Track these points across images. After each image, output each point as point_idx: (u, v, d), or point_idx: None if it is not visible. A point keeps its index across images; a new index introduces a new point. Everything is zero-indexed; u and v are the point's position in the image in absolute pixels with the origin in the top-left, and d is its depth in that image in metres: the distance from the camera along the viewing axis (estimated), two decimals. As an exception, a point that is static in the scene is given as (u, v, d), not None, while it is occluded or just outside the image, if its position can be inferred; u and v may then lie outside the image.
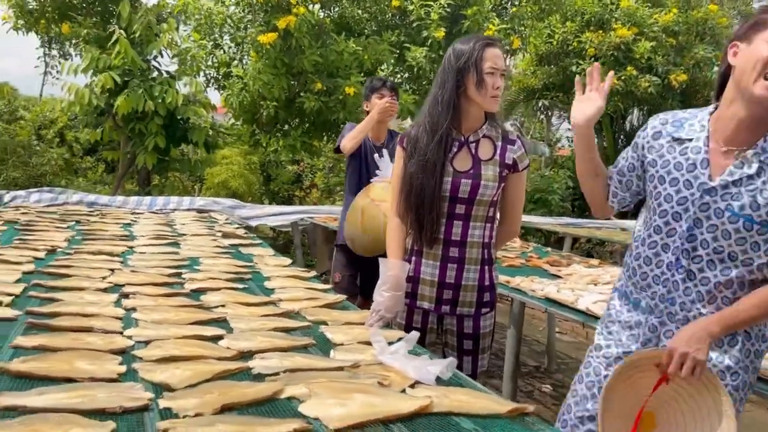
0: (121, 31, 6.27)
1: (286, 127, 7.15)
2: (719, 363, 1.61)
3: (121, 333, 1.69)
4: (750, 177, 1.51)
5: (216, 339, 1.71)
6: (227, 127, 7.49)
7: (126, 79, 6.58)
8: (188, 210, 5.26)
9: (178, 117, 6.95)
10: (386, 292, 1.98)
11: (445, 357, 2.17)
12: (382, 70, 7.39)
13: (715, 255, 1.56)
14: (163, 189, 7.28)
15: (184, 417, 1.16)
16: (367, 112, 3.39)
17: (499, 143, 2.04)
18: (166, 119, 6.80)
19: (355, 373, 1.49)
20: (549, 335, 4.65)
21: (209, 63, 7.04)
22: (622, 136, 10.63)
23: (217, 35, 7.01)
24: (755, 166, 1.51)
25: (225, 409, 1.21)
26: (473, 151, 2.03)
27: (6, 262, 2.48)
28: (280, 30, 6.07)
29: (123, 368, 1.41)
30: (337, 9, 7.50)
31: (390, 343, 1.62)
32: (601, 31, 8.55)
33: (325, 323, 1.98)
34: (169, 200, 5.53)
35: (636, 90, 8.43)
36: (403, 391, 1.38)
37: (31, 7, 6.99)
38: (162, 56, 7.28)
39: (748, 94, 1.48)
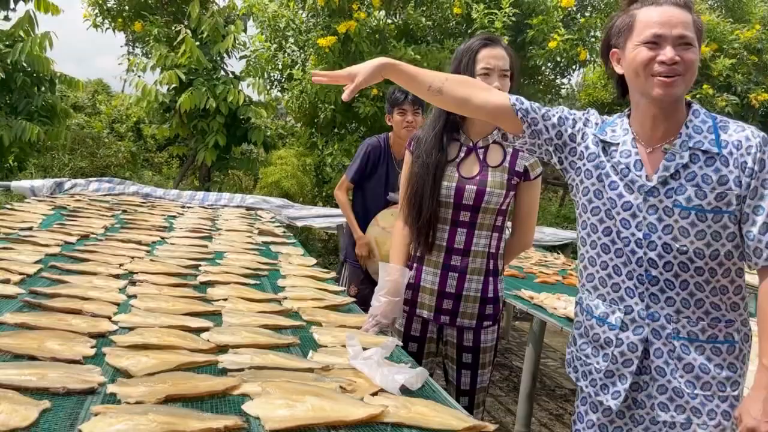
0: (188, 30, 6.49)
1: (343, 131, 7.20)
2: (718, 374, 1.50)
3: (110, 318, 1.71)
4: (685, 166, 1.47)
5: (201, 331, 1.71)
6: (286, 128, 7.62)
7: (191, 77, 6.81)
8: (237, 207, 5.37)
9: (240, 117, 7.13)
10: (383, 297, 1.94)
11: (445, 369, 2.11)
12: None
13: (682, 256, 1.48)
14: (222, 186, 7.47)
15: (124, 403, 1.15)
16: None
17: (510, 150, 1.96)
18: (228, 118, 7.00)
19: (323, 375, 1.45)
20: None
21: (273, 65, 7.17)
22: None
23: (281, 38, 7.14)
24: (686, 154, 1.47)
25: (170, 399, 1.20)
26: (481, 157, 1.96)
27: (35, 243, 2.58)
28: (340, 34, 6.12)
29: (92, 351, 1.42)
30: (402, 16, 7.51)
31: (365, 348, 1.57)
32: (676, 46, 8.16)
33: (319, 324, 1.95)
34: (221, 196, 5.65)
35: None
36: (362, 398, 1.32)
37: (110, 5, 7.34)
38: (229, 56, 7.50)
39: (648, 97, 1.48)
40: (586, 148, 1.61)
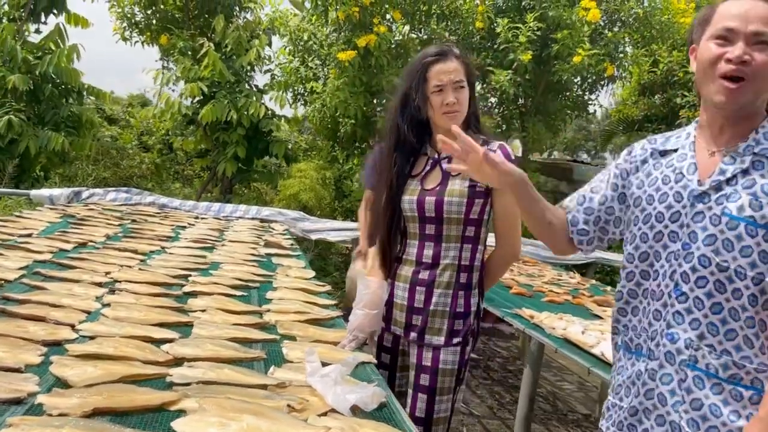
0: (210, 44, 6.57)
1: (364, 145, 7.17)
2: (731, 423, 1.27)
3: (73, 326, 1.67)
4: (745, 171, 1.29)
5: (165, 342, 1.65)
6: (309, 141, 7.64)
7: (214, 90, 6.87)
8: (252, 219, 5.35)
9: (262, 129, 7.17)
10: (360, 311, 1.87)
11: (401, 393, 1.99)
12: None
13: (720, 273, 1.28)
14: (243, 198, 7.50)
15: (47, 415, 1.10)
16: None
17: None
18: (249, 131, 7.03)
19: (277, 393, 1.38)
20: (605, 380, 4.27)
21: (294, 78, 7.20)
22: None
23: (304, 52, 7.17)
24: (748, 159, 1.29)
25: (98, 412, 1.14)
26: (444, 167, 1.90)
27: (27, 250, 2.57)
28: (360, 48, 6.10)
29: (38, 360, 1.38)
30: (427, 30, 7.47)
31: (325, 365, 1.49)
32: (708, 62, 7.95)
33: (294, 338, 1.88)
34: (237, 208, 5.65)
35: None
36: (307, 419, 1.25)
37: (138, 19, 7.48)
38: (253, 70, 7.56)
39: (711, 102, 1.32)
40: (648, 174, 1.46)
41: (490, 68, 6.93)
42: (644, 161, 1.48)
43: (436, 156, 1.95)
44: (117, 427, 1.08)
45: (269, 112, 7.12)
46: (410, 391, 1.91)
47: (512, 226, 1.92)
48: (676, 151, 1.42)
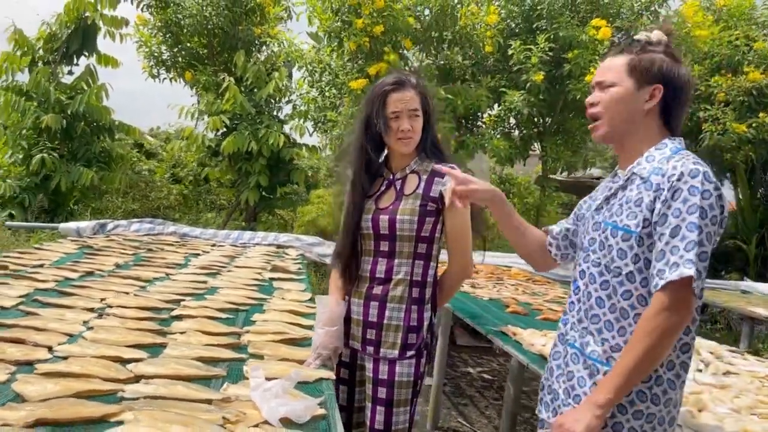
0: (230, 78, 6.83)
1: (381, 170, 7.28)
2: (590, 392, 1.48)
3: (50, 348, 1.80)
4: (622, 187, 1.54)
5: (134, 361, 1.77)
6: (328, 168, 7.81)
7: (236, 122, 7.12)
8: (269, 245, 5.50)
9: (283, 158, 7.38)
10: (320, 329, 1.96)
11: (361, 408, 2.06)
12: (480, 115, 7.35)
13: (594, 268, 1.54)
14: (267, 225, 7.69)
15: (-9, 426, 1.21)
16: None
17: (425, 176, 2.00)
18: (271, 160, 7.25)
19: (221, 407, 1.47)
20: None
21: (313, 108, 7.41)
22: (761, 189, 9.57)
23: (322, 82, 7.37)
24: (625, 177, 1.54)
25: (40, 423, 1.25)
26: (398, 187, 2.01)
27: (32, 279, 2.74)
28: (371, 77, 6.26)
29: (4, 377, 1.50)
30: (441, 56, 7.59)
31: (269, 379, 1.58)
32: (731, 75, 7.84)
33: (261, 357, 1.97)
34: (255, 235, 5.81)
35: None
36: (235, 430, 1.33)
37: (165, 57, 7.83)
38: (275, 102, 7.81)
39: None
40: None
41: (504, 89, 7.00)
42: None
43: (391, 177, 2.06)
44: (50, 436, 1.19)
45: (289, 141, 7.34)
46: (369, 405, 1.99)
47: (460, 243, 2.01)
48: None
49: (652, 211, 1.42)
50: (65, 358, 1.73)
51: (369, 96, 2.07)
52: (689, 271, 1.31)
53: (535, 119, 7.53)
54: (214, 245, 5.12)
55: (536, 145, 8.13)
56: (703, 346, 2.69)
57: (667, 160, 1.45)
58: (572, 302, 1.62)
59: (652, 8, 7.54)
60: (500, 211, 1.74)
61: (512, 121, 8.03)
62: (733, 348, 2.75)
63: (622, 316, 1.48)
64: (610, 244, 1.50)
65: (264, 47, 7.90)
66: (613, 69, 1.54)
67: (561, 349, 1.63)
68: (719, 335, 7.15)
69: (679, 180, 1.38)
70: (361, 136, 2.07)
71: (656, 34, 1.54)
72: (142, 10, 7.71)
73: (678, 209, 1.36)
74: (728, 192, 10.62)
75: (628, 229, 1.45)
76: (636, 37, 1.55)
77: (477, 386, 5.23)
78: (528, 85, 6.81)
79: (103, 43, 7.89)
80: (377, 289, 2.00)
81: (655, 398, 1.44)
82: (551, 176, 9.19)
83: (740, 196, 9.25)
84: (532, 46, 6.79)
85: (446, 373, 5.47)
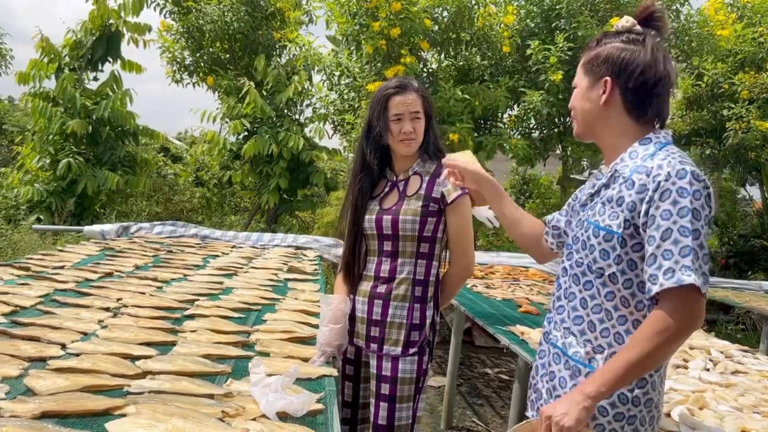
0: (250, 83, 6.93)
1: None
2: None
3: (64, 345, 1.87)
4: (605, 185, 1.51)
5: (143, 358, 1.83)
6: (348, 170, 7.86)
7: (256, 126, 7.22)
8: (288, 246, 5.56)
9: (303, 160, 7.46)
10: (325, 327, 2.00)
11: (366, 404, 2.10)
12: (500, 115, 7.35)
13: (577, 268, 1.53)
14: (287, 227, 7.78)
15: (0, 416, 1.28)
16: None
17: (427, 178, 2.04)
18: (291, 163, 7.33)
19: (222, 402, 1.52)
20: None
21: (332, 110, 7.48)
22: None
23: (341, 85, 7.43)
24: (608, 176, 1.51)
25: (46, 415, 1.31)
26: (401, 188, 2.06)
27: (52, 280, 2.84)
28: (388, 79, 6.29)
29: (17, 372, 1.57)
30: (462, 55, 7.60)
31: (270, 375, 1.62)
32: (754, 72, 7.72)
33: (267, 355, 2.02)
34: (275, 237, 5.88)
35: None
36: (232, 423, 1.38)
37: (187, 62, 7.97)
38: (295, 105, 7.89)
39: None
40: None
41: (524, 90, 6.99)
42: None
43: (395, 179, 2.11)
44: (56, 427, 1.25)
45: (309, 143, 7.42)
46: (373, 401, 2.04)
47: (462, 242, 2.04)
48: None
49: (633, 212, 1.39)
50: (77, 354, 1.79)
51: (372, 100, 2.13)
52: (688, 278, 1.27)
53: (555, 119, 7.49)
54: (233, 247, 5.20)
55: (556, 144, 8.09)
56: (713, 345, 2.67)
57: (651, 157, 1.41)
58: (555, 299, 1.62)
59: (674, 7, 7.46)
60: (492, 193, 1.77)
61: (532, 121, 8.01)
62: (745, 348, 2.72)
63: (606, 318, 1.46)
64: (592, 244, 1.47)
65: (284, 51, 8.00)
66: (578, 70, 1.57)
67: (545, 348, 1.62)
68: (740, 336, 7.03)
69: (666, 180, 1.33)
70: (362, 138, 2.13)
71: (622, 22, 1.51)
72: (164, 16, 7.87)
73: (668, 211, 1.32)
74: (754, 191, 10.43)
75: (610, 229, 1.43)
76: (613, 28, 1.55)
77: (494, 387, 5.23)
78: (547, 85, 6.79)
79: (127, 50, 8.06)
80: (381, 288, 2.05)
81: (635, 400, 1.43)
82: (573, 176, 9.14)
83: (766, 195, 9.09)
84: (550, 46, 6.77)
85: (463, 373, 5.48)
